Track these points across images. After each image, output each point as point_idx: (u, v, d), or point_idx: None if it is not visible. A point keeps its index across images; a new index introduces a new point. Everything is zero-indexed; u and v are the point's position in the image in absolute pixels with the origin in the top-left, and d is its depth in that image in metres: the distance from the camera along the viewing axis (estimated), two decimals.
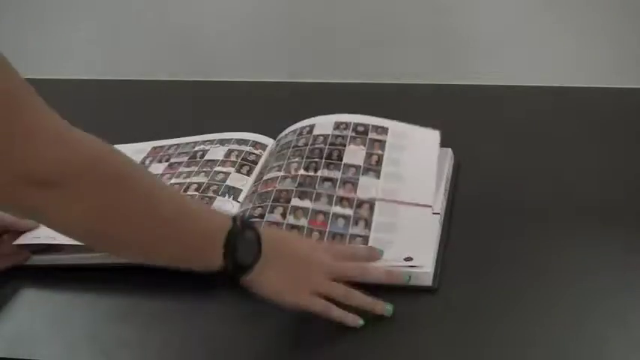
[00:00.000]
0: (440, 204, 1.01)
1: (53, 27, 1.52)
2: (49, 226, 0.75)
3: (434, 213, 0.99)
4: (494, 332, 0.84)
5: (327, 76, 1.43)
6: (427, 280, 0.91)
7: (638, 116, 1.24)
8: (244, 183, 1.07)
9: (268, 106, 1.37)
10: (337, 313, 0.87)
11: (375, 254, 0.93)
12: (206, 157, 1.13)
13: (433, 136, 1.08)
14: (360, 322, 0.87)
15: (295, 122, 1.16)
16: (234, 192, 1.06)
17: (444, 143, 1.10)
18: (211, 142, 1.17)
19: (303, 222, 0.97)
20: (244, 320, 0.89)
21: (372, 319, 0.87)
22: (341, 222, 0.98)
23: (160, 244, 0.80)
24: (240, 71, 1.47)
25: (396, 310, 0.88)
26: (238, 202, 1.04)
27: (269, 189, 1.03)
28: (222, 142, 1.17)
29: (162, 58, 1.50)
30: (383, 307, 0.88)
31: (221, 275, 0.84)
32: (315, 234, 0.96)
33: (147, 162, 1.17)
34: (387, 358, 0.83)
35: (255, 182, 1.07)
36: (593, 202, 1.03)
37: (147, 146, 1.21)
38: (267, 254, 0.85)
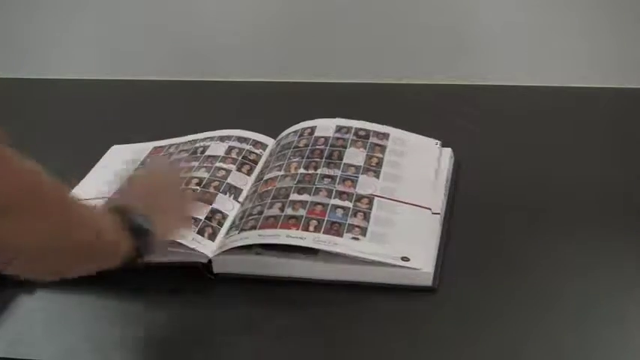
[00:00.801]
0: (440, 204, 1.01)
1: (53, 27, 1.52)
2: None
3: (434, 213, 0.99)
4: (493, 332, 0.84)
5: (327, 76, 1.43)
6: (427, 280, 0.91)
7: (638, 116, 1.24)
8: (245, 183, 1.07)
9: (268, 106, 1.37)
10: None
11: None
12: (207, 153, 1.13)
13: (433, 144, 1.10)
14: None
15: (295, 122, 1.16)
16: (234, 191, 1.06)
17: (444, 143, 1.10)
18: (211, 138, 1.17)
19: (301, 212, 0.97)
20: (245, 320, 0.89)
21: (371, 318, 0.87)
22: (339, 212, 0.98)
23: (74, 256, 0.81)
24: (240, 71, 1.47)
25: (395, 309, 0.88)
26: (239, 202, 1.04)
27: (269, 188, 1.03)
28: (222, 139, 1.17)
29: (163, 58, 1.50)
30: None
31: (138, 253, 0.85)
32: (314, 222, 0.96)
33: (148, 160, 1.17)
34: (386, 358, 0.83)
35: (255, 182, 1.07)
36: (593, 202, 1.03)
37: (148, 146, 1.21)
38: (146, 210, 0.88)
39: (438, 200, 1.01)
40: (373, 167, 1.05)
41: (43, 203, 0.75)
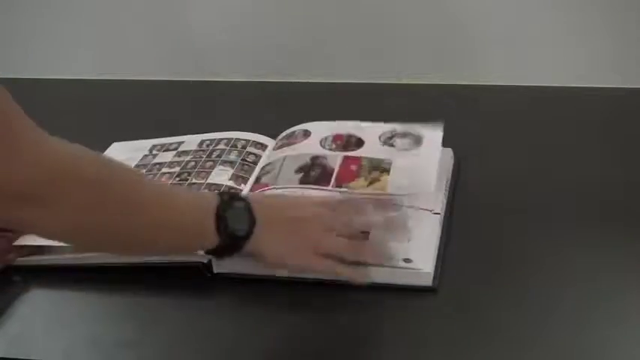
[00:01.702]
0: (440, 204, 1.01)
1: (53, 27, 1.52)
2: (40, 236, 0.75)
3: (434, 213, 0.99)
4: (494, 332, 0.84)
5: (327, 76, 1.43)
6: (427, 281, 0.91)
7: (638, 116, 1.24)
8: (242, 187, 1.07)
9: (268, 106, 1.37)
10: (343, 270, 0.86)
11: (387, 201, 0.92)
12: (205, 157, 1.13)
13: (436, 135, 1.08)
14: (369, 279, 0.86)
15: (295, 122, 1.16)
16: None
17: (444, 143, 1.10)
18: (212, 140, 1.17)
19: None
20: (244, 320, 0.89)
21: (369, 320, 0.87)
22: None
23: (149, 236, 0.80)
24: (241, 71, 1.47)
25: (395, 310, 0.88)
26: None
27: (266, 189, 1.03)
28: (222, 141, 1.17)
29: (162, 58, 1.50)
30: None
31: (221, 252, 0.84)
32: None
33: (154, 150, 1.18)
34: (386, 358, 0.83)
35: (254, 183, 1.07)
36: (593, 202, 1.03)
37: (148, 143, 1.21)
38: (261, 219, 0.84)
39: (438, 201, 1.01)
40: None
41: (72, 187, 0.74)
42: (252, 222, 0.85)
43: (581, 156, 1.14)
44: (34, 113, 1.44)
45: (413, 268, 0.91)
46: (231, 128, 1.21)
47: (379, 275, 0.91)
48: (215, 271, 0.94)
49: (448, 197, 1.04)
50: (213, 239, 0.83)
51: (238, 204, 0.85)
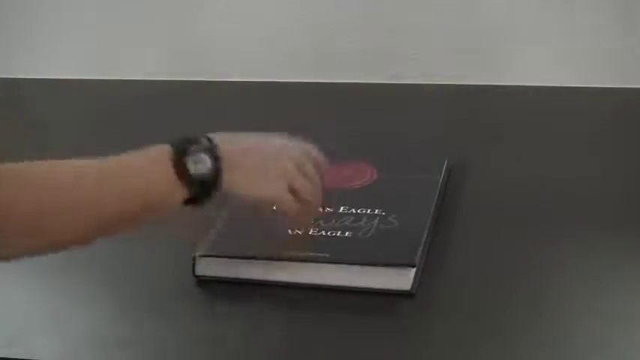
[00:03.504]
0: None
1: (53, 26, 1.52)
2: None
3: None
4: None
5: (327, 76, 1.43)
6: (406, 285, 0.88)
7: (639, 116, 1.24)
8: None
9: (268, 106, 1.37)
10: (297, 213, 0.89)
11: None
12: None
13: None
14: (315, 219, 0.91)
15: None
16: None
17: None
18: None
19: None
20: (244, 319, 0.89)
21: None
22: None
23: (105, 208, 0.77)
24: (241, 71, 1.47)
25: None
26: None
27: None
28: None
29: (162, 57, 1.50)
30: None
31: (198, 201, 0.81)
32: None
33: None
34: None
35: None
36: (593, 202, 1.03)
37: None
38: (229, 155, 0.83)
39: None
40: None
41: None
42: (217, 160, 0.82)
43: (581, 156, 1.14)
44: (33, 113, 1.44)
45: (393, 272, 0.88)
46: (231, 128, 1.21)
47: (359, 279, 0.89)
48: (197, 273, 0.92)
49: (436, 202, 1.01)
50: (181, 191, 0.80)
51: (195, 147, 0.81)
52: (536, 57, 1.36)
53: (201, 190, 0.82)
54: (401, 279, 0.88)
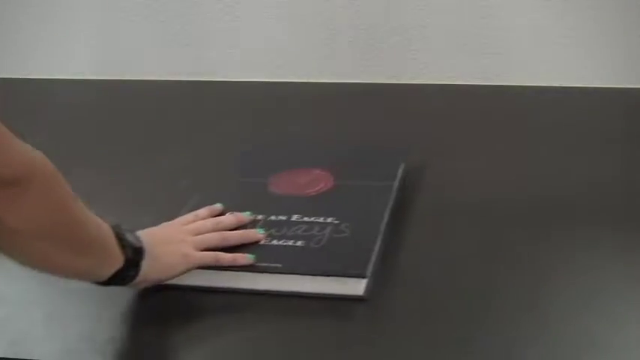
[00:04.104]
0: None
1: (53, 26, 1.52)
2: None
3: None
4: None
5: (328, 76, 1.43)
6: (359, 290, 0.88)
7: (638, 116, 1.24)
8: None
9: (268, 106, 1.38)
10: (227, 257, 0.90)
11: (241, 218, 0.97)
12: None
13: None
14: (250, 256, 0.91)
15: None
16: None
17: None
18: None
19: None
20: (242, 319, 0.89)
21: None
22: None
23: (79, 248, 0.81)
24: (241, 71, 1.47)
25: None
26: None
27: None
28: None
29: (162, 57, 1.50)
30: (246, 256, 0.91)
31: (120, 275, 0.84)
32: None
33: None
34: None
35: None
36: (593, 202, 1.03)
37: None
38: (147, 245, 0.87)
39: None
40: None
41: (49, 184, 0.76)
42: (140, 242, 0.87)
43: (580, 156, 1.14)
44: (34, 113, 1.44)
45: (345, 280, 0.88)
46: (232, 128, 1.21)
47: (311, 285, 0.89)
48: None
49: (393, 205, 1.00)
50: (119, 257, 0.84)
51: (125, 227, 0.87)
52: (537, 57, 1.36)
53: (133, 260, 0.85)
54: (353, 287, 0.88)
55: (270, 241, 0.94)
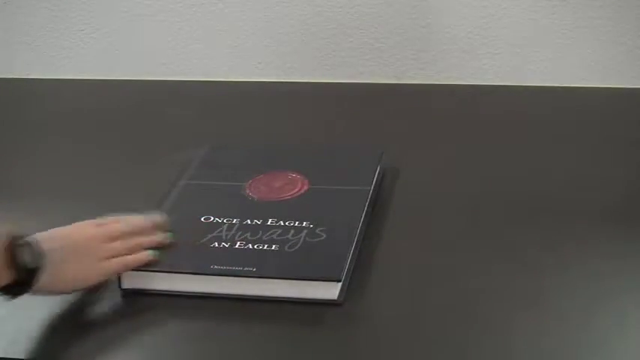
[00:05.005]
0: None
1: (53, 26, 1.52)
2: None
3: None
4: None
5: (327, 76, 1.43)
6: (333, 294, 0.87)
7: (638, 116, 1.24)
8: None
9: (268, 106, 1.37)
10: (131, 260, 0.91)
11: (152, 220, 0.95)
12: None
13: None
14: (152, 252, 0.91)
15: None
16: None
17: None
18: None
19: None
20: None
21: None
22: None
23: None
24: (241, 71, 1.47)
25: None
26: None
27: None
28: None
29: (162, 58, 1.50)
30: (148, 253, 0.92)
31: (12, 289, 0.83)
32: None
33: None
34: None
35: None
36: (594, 202, 1.03)
37: None
38: (49, 252, 0.85)
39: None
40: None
41: None
42: (43, 255, 0.85)
43: (580, 156, 1.14)
44: (34, 113, 1.44)
45: (320, 284, 0.87)
46: (232, 128, 1.21)
47: (285, 289, 0.88)
48: (124, 286, 0.92)
49: (368, 206, 1.00)
50: (4, 276, 0.82)
51: (25, 240, 0.85)
52: (536, 57, 1.36)
53: (26, 278, 0.84)
54: (327, 291, 0.87)
55: (245, 246, 0.93)
